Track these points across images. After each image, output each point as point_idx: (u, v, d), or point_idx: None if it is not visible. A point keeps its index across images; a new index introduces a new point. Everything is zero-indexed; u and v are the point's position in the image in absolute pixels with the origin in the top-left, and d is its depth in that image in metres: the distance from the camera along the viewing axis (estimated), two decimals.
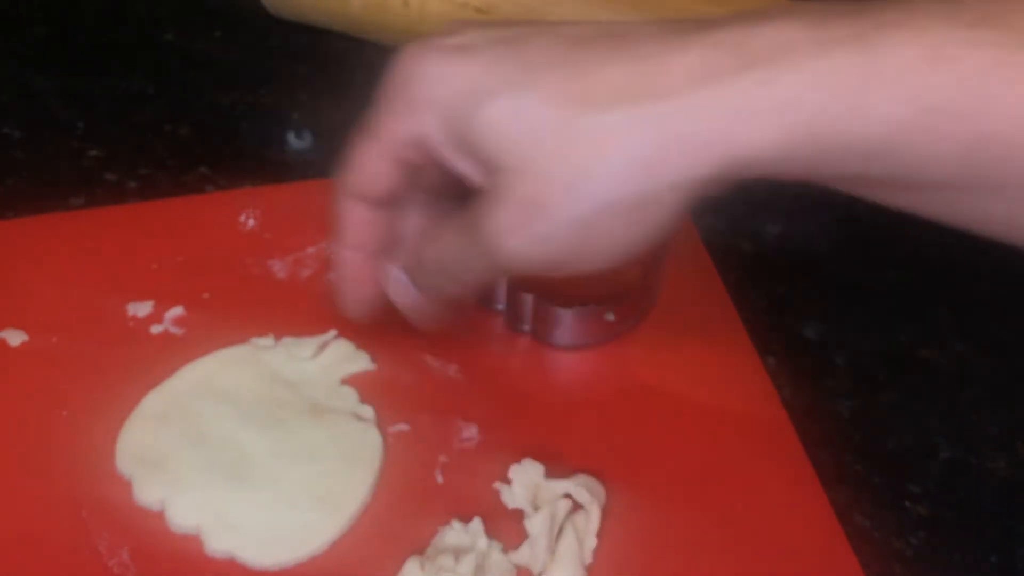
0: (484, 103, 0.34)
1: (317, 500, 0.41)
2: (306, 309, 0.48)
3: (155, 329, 0.47)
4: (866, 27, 0.31)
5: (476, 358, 0.47)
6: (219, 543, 0.40)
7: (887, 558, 0.42)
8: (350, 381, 0.46)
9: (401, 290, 0.41)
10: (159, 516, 0.41)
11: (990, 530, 0.43)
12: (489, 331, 0.48)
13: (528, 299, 0.47)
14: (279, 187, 0.53)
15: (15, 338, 0.46)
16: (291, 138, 0.58)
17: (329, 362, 0.46)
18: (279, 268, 0.49)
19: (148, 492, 0.41)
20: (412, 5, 0.55)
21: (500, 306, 0.48)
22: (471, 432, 0.44)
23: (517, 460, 0.42)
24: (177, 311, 0.47)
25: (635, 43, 0.34)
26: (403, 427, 0.44)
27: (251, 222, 0.51)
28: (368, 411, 0.44)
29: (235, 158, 0.56)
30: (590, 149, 0.33)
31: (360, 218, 0.40)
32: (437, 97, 0.36)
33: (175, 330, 0.47)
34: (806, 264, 0.52)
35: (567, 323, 0.47)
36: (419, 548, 0.40)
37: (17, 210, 0.51)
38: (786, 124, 0.31)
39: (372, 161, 0.39)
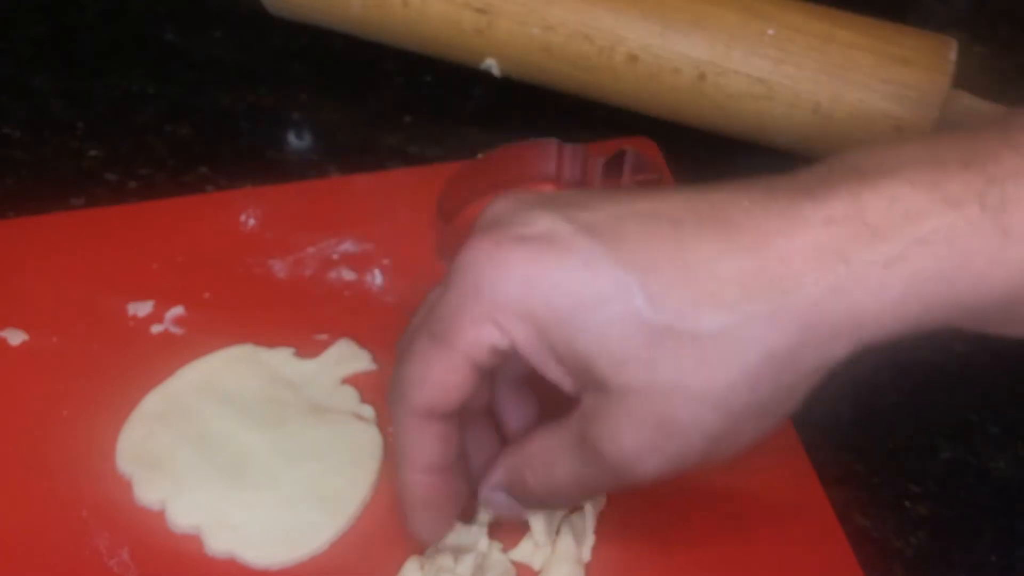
0: (590, 314, 0.31)
1: (317, 500, 0.41)
2: (307, 309, 0.48)
3: (155, 329, 0.47)
4: (981, 183, 0.30)
5: None
6: (219, 543, 0.40)
7: (887, 558, 0.42)
8: (351, 381, 0.46)
9: (506, 509, 0.38)
10: (159, 516, 0.41)
11: (990, 530, 0.43)
12: None
13: None
14: (280, 187, 0.53)
15: (15, 338, 0.46)
16: (291, 138, 0.58)
17: (330, 362, 0.46)
18: (280, 268, 0.49)
19: (148, 492, 0.41)
20: (412, 5, 0.55)
21: None
22: None
23: None
24: (177, 311, 0.47)
25: (737, 224, 0.31)
26: None
27: (252, 222, 0.51)
28: (369, 411, 0.44)
29: (235, 158, 0.56)
30: (720, 357, 0.31)
31: (432, 436, 0.36)
32: (530, 306, 0.32)
33: (175, 330, 0.47)
34: None
35: None
36: (418, 548, 0.40)
37: (17, 210, 0.51)
38: (918, 296, 0.30)
39: (447, 373, 0.34)
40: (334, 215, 0.51)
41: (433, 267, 0.50)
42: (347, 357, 0.46)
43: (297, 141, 0.57)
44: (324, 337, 0.47)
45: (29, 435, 0.43)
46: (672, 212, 0.32)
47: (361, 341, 0.47)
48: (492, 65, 0.56)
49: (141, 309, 0.47)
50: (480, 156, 0.51)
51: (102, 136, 0.56)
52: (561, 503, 0.38)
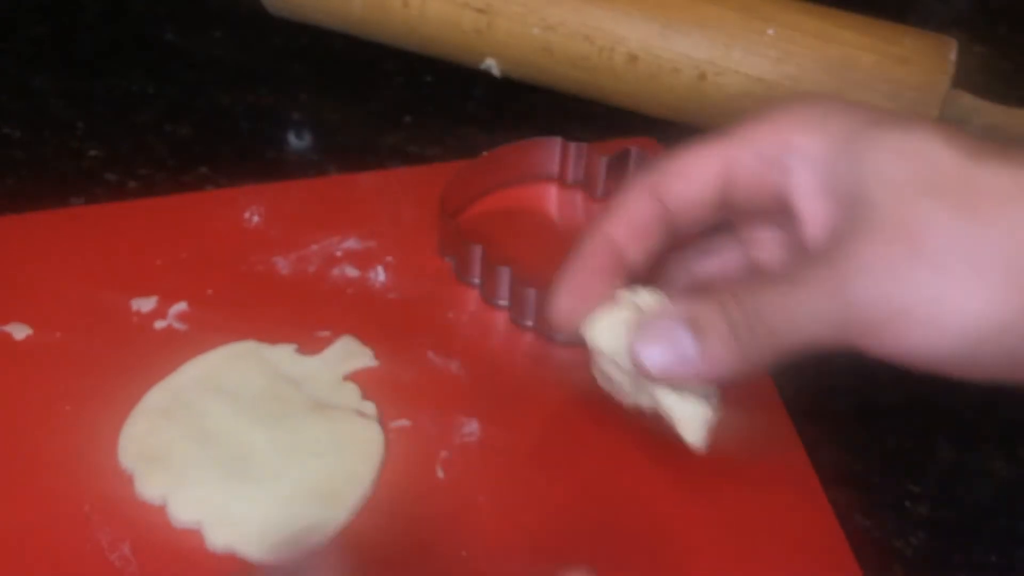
0: (885, 138, 0.32)
1: (318, 496, 0.41)
2: (310, 306, 0.48)
3: (159, 325, 0.47)
4: None
5: (478, 354, 0.47)
6: (220, 538, 0.40)
7: (887, 558, 0.42)
8: (353, 377, 0.46)
9: (679, 348, 0.33)
10: (160, 510, 0.41)
11: (990, 530, 0.43)
12: (491, 327, 0.48)
13: (532, 294, 0.47)
14: (284, 184, 0.53)
15: (20, 332, 0.46)
16: (291, 138, 0.58)
17: (332, 359, 0.46)
18: (283, 265, 0.49)
19: (150, 487, 0.41)
20: (412, 5, 0.55)
21: (503, 302, 0.48)
22: (472, 428, 0.44)
23: (521, 455, 0.43)
24: (181, 307, 0.47)
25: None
26: (404, 423, 0.44)
27: (256, 219, 0.51)
28: (370, 407, 0.44)
29: (235, 158, 0.56)
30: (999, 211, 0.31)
31: (642, 211, 0.36)
32: (828, 127, 0.34)
33: (179, 326, 0.47)
34: None
35: None
36: (420, 542, 0.40)
37: (17, 210, 0.51)
38: None
39: (702, 169, 0.35)
40: (338, 213, 0.51)
41: (435, 265, 0.50)
42: (349, 354, 0.46)
43: (297, 141, 0.57)
44: (326, 334, 0.47)
45: (32, 429, 0.43)
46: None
47: (363, 338, 0.47)
48: (492, 65, 0.56)
49: (145, 305, 0.47)
50: (484, 154, 0.51)
51: (102, 136, 0.56)
52: (767, 347, 0.33)
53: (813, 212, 0.34)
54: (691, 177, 0.36)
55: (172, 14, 0.63)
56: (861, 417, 0.47)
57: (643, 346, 0.34)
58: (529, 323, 0.48)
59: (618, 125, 0.55)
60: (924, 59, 0.51)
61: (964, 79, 0.52)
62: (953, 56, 0.51)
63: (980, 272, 0.31)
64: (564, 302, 0.37)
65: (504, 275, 0.47)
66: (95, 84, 0.59)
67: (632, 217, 0.36)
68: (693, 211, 0.36)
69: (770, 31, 0.52)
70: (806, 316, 0.32)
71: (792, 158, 0.34)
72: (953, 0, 0.68)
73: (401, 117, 0.58)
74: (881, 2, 0.54)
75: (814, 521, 0.42)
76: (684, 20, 0.52)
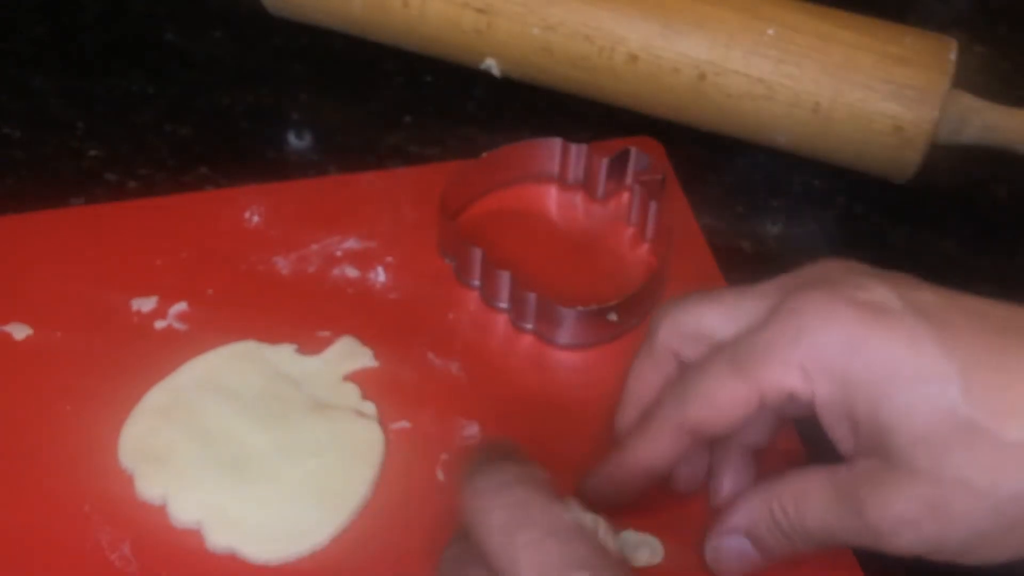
0: (904, 388, 0.33)
1: (318, 496, 0.41)
2: (310, 306, 0.48)
3: (159, 324, 0.47)
4: None
5: (478, 356, 0.47)
6: (220, 538, 0.40)
7: (887, 558, 0.42)
8: (353, 378, 0.46)
9: (735, 561, 0.38)
10: (161, 510, 0.41)
11: None
12: (492, 330, 0.48)
13: (532, 298, 0.47)
14: (285, 184, 0.53)
15: (20, 332, 0.46)
16: (291, 138, 0.58)
17: (332, 359, 0.46)
18: (283, 265, 0.49)
19: (150, 487, 0.42)
20: (412, 5, 0.55)
21: (503, 304, 0.48)
22: (472, 430, 0.44)
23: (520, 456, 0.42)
24: (181, 307, 0.47)
25: None
26: (404, 424, 0.44)
27: (256, 219, 0.51)
28: (370, 408, 0.45)
29: (235, 158, 0.56)
30: (1016, 466, 0.32)
31: (675, 450, 0.38)
32: (846, 365, 0.34)
33: (179, 326, 0.47)
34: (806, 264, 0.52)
35: (570, 323, 0.47)
36: (419, 544, 0.40)
37: (17, 210, 0.51)
38: None
39: (733, 402, 0.36)
40: (338, 213, 0.51)
41: (436, 265, 0.50)
42: (349, 354, 0.46)
43: (297, 141, 0.57)
44: (326, 334, 0.47)
45: (32, 429, 0.43)
46: (999, 317, 0.34)
47: (363, 338, 0.47)
48: (492, 65, 0.56)
49: (145, 305, 0.47)
50: (484, 155, 0.51)
51: (102, 136, 0.56)
52: (795, 547, 0.37)
53: (841, 436, 0.35)
54: (723, 409, 0.36)
55: (172, 14, 0.63)
56: None
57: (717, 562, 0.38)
58: (529, 326, 0.48)
59: (618, 125, 0.55)
60: (924, 59, 0.51)
61: (964, 79, 0.52)
62: (953, 56, 0.51)
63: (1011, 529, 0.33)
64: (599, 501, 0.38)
65: (504, 279, 0.47)
66: (95, 84, 0.59)
67: (663, 452, 0.38)
68: (721, 431, 0.37)
69: (770, 31, 0.52)
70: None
71: (816, 381, 0.35)
72: (953, 0, 0.67)
73: (401, 117, 0.58)
74: (881, 2, 0.54)
75: None
76: (684, 20, 0.52)
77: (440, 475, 0.43)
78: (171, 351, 0.45)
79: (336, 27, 0.58)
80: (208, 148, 0.56)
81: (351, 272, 0.49)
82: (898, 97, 0.50)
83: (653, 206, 0.50)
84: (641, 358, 0.40)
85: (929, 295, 0.34)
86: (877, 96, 0.51)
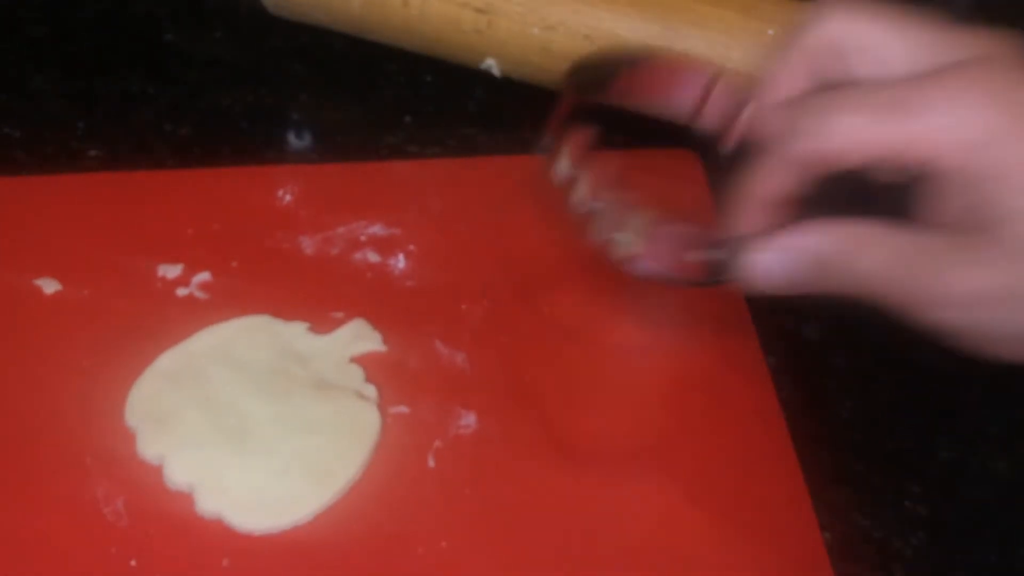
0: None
1: (308, 472, 0.42)
2: (328, 286, 0.49)
3: (181, 292, 0.48)
4: None
5: (485, 348, 0.47)
6: (209, 503, 0.41)
7: (887, 558, 0.42)
8: (359, 360, 0.46)
9: (776, 274, 0.35)
10: (157, 471, 0.42)
11: (990, 530, 0.44)
12: (503, 324, 0.48)
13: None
14: (320, 167, 0.54)
15: (50, 287, 0.47)
16: (291, 138, 0.58)
17: (341, 340, 0.47)
18: (307, 244, 0.50)
19: (149, 446, 0.43)
20: (412, 5, 0.55)
21: (587, 208, 0.42)
22: (469, 420, 0.44)
23: (512, 450, 0.43)
24: (204, 276, 0.48)
25: None
26: (403, 409, 0.45)
27: (288, 198, 0.52)
28: (371, 390, 0.45)
29: (235, 158, 0.56)
30: None
31: (793, 179, 0.36)
32: (988, 155, 0.33)
33: (200, 294, 0.48)
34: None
35: (662, 243, 0.40)
36: (401, 529, 0.40)
37: None
38: None
39: (873, 143, 0.34)
40: (368, 198, 0.52)
41: (455, 256, 0.50)
42: (359, 336, 0.47)
43: (297, 141, 0.57)
44: (340, 315, 0.47)
45: (49, 380, 0.44)
46: None
47: (375, 322, 0.47)
48: (492, 65, 0.56)
49: (171, 271, 0.48)
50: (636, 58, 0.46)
51: (102, 136, 0.56)
52: (833, 282, 0.35)
53: (940, 211, 0.34)
54: (858, 149, 0.35)
55: (172, 14, 0.63)
56: (861, 417, 0.47)
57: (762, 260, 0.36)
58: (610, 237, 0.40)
59: (619, 125, 0.55)
60: None
61: None
62: None
63: None
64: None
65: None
66: (95, 84, 0.59)
67: (783, 180, 0.36)
68: (840, 170, 0.36)
69: (770, 31, 0.52)
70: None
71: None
72: (953, 0, 0.67)
73: (401, 117, 0.58)
74: (881, 2, 0.54)
75: (798, 521, 0.42)
76: (684, 20, 0.52)
77: (431, 462, 0.43)
78: (189, 318, 0.47)
79: (336, 27, 0.58)
80: (208, 148, 0.56)
81: (372, 257, 0.50)
82: None
83: None
84: (782, 58, 0.38)
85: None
86: None
